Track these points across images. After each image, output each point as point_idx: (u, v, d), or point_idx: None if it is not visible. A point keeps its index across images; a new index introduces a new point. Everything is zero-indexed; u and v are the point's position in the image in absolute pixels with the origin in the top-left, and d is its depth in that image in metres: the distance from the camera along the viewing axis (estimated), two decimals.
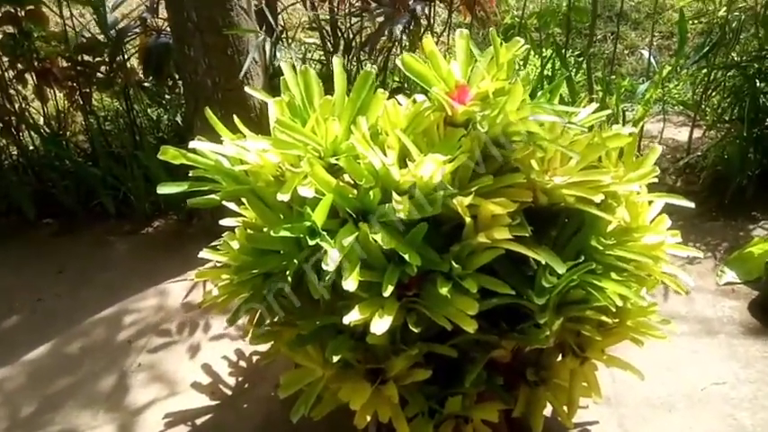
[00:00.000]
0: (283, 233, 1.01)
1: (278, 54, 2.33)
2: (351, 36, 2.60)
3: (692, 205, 1.22)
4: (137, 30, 2.61)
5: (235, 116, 1.18)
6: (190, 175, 1.18)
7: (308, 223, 1.03)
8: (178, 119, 2.84)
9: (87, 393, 1.66)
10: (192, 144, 1.15)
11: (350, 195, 1.08)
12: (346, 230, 1.05)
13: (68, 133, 3.00)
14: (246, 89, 1.24)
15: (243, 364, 1.74)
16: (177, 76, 2.64)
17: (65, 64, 2.69)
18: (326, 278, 1.05)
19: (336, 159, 1.11)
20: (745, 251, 1.98)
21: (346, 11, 2.58)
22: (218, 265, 1.33)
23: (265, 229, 1.04)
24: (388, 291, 1.00)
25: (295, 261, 1.09)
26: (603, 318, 1.11)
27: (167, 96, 2.94)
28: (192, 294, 2.04)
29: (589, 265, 1.05)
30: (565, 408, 1.26)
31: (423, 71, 1.13)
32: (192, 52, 2.11)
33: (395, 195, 1.05)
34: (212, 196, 1.16)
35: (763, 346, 1.70)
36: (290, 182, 1.03)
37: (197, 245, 1.51)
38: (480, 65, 1.16)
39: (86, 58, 2.65)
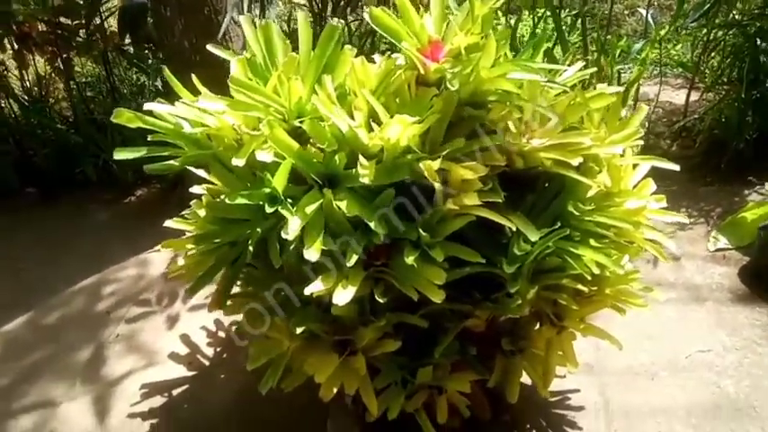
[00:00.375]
0: (241, 200, 0.96)
1: (266, 13, 2.23)
2: None
3: (677, 167, 1.15)
4: None
5: (193, 75, 1.11)
6: (148, 139, 1.13)
7: (267, 190, 0.98)
8: (159, 83, 2.76)
9: (64, 364, 1.64)
10: (147, 106, 1.08)
11: (314, 160, 1.02)
12: (310, 197, 1.00)
13: (50, 100, 2.93)
14: (209, 47, 1.16)
15: (221, 334, 1.71)
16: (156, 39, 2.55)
17: (43, 28, 2.60)
18: (290, 247, 1.01)
19: (301, 122, 1.04)
20: (738, 216, 1.93)
21: None
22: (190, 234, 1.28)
23: (222, 197, 0.98)
24: (352, 260, 0.96)
25: (258, 230, 1.04)
26: (580, 286, 1.07)
27: (150, 60, 2.85)
28: (173, 264, 2.00)
29: (563, 231, 1.00)
30: (541, 377, 1.23)
31: (393, 26, 1.05)
32: (168, 12, 2.02)
33: (361, 160, 0.99)
34: (172, 162, 1.10)
35: (751, 313, 1.66)
36: (247, 146, 0.97)
37: (179, 213, 1.47)
38: (456, 19, 1.08)
39: (65, 21, 2.56)
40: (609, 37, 2.35)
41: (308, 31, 1.09)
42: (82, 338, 1.73)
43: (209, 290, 1.18)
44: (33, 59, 2.69)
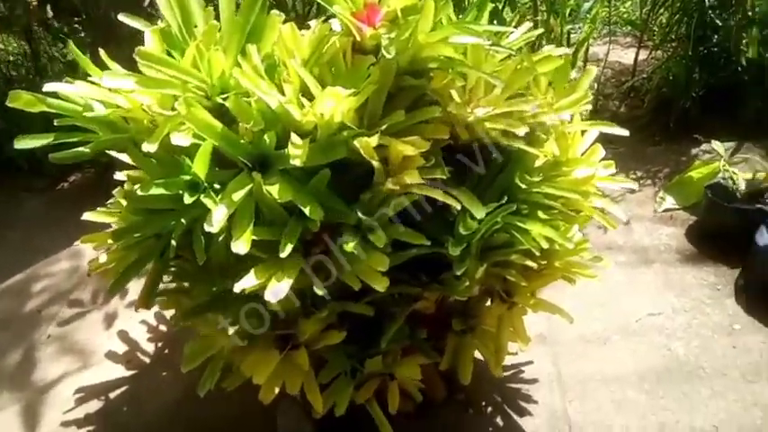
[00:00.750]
0: (156, 190, 0.86)
1: None
2: None
3: (626, 133, 1.11)
4: None
5: (101, 50, 0.98)
6: (55, 123, 1.00)
7: (187, 177, 0.88)
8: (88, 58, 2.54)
9: None
10: (48, 86, 0.95)
11: (241, 141, 0.93)
12: (238, 182, 0.90)
13: None
14: (120, 16, 1.03)
15: (163, 328, 1.61)
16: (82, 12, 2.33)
17: None
18: (219, 239, 0.92)
19: (225, 98, 0.94)
20: (685, 176, 1.94)
21: None
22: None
23: (136, 187, 0.88)
24: (287, 250, 0.88)
25: (183, 221, 0.94)
26: (529, 262, 1.03)
27: (81, 35, 2.62)
28: (94, 261, 1.87)
29: (510, 206, 0.95)
30: (493, 355, 1.20)
31: None
32: None
33: (293, 138, 0.90)
34: (81, 149, 0.98)
35: (699, 273, 1.68)
36: (161, 128, 0.86)
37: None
38: None
39: None
40: None
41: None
42: (10, 341, 1.60)
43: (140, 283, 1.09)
44: None
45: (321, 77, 0.99)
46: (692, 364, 1.41)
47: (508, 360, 1.30)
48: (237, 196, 0.88)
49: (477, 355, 1.22)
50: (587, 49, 2.45)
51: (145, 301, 1.05)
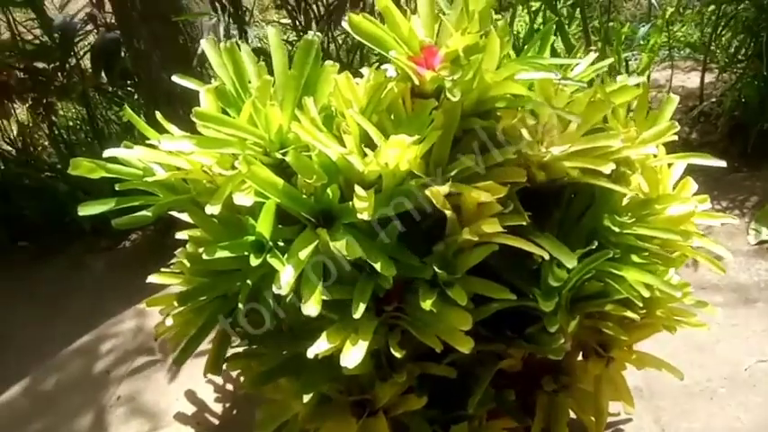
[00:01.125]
0: (221, 253, 0.82)
1: (245, 38, 2.11)
2: (321, 10, 2.38)
3: (723, 163, 1.00)
4: (88, 28, 2.41)
5: (157, 113, 0.98)
6: (116, 188, 0.99)
7: (251, 237, 0.84)
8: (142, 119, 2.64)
9: None
10: (108, 152, 0.95)
11: (304, 196, 0.88)
12: (303, 240, 0.85)
13: (36, 149, 2.82)
14: (174, 77, 1.03)
15: (230, 386, 1.57)
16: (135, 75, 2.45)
17: (20, 75, 2.51)
18: (287, 300, 0.86)
19: (284, 154, 0.90)
20: None
21: None
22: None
23: (200, 249, 0.84)
24: (360, 311, 0.81)
25: (249, 282, 0.90)
26: (627, 313, 0.91)
27: (136, 97, 2.74)
28: (160, 325, 1.87)
29: (606, 253, 0.85)
30: (592, 418, 1.07)
31: (377, 33, 0.91)
32: (142, 45, 1.91)
33: (357, 190, 0.85)
34: (144, 212, 0.96)
35: None
36: (222, 188, 0.83)
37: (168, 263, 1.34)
38: (449, 18, 0.94)
39: (41, 65, 2.47)
40: (612, 24, 2.21)
41: (281, 48, 0.95)
42: (81, 403, 1.60)
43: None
44: (14, 109, 2.59)
45: (381, 125, 0.94)
46: None
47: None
48: (304, 254, 0.83)
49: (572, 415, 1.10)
50: (648, 77, 2.34)
51: (213, 366, 1.00)
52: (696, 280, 1.63)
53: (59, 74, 2.45)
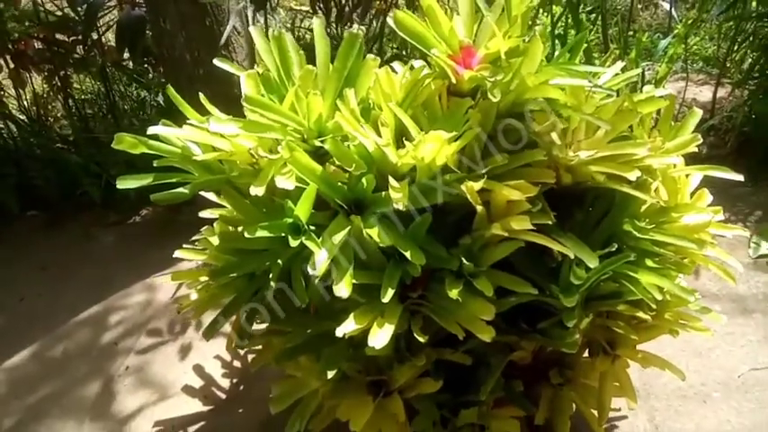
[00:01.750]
0: (261, 233, 0.85)
1: (261, 22, 2.13)
2: (343, 1, 2.40)
3: (741, 177, 1.04)
4: (110, 3, 2.42)
5: (201, 94, 1.01)
6: (155, 164, 1.02)
7: (289, 219, 0.87)
8: (160, 99, 2.66)
9: (72, 400, 1.54)
10: (151, 129, 0.98)
11: (339, 184, 0.92)
12: (336, 225, 0.89)
13: (49, 120, 2.84)
14: (215, 61, 1.06)
15: (237, 363, 1.61)
16: (156, 53, 2.46)
17: (39, 45, 2.52)
18: (315, 281, 0.90)
19: (322, 141, 0.94)
20: None
21: None
22: (198, 264, 1.18)
23: (240, 229, 0.88)
24: (388, 296, 0.85)
25: (279, 261, 0.93)
26: (639, 313, 0.96)
27: (150, 75, 2.75)
28: (182, 289, 1.90)
29: (627, 255, 0.89)
30: (594, 412, 1.12)
31: (420, 31, 0.95)
32: (168, 24, 1.93)
33: (392, 181, 0.89)
34: (181, 189, 1.00)
35: None
36: (265, 171, 0.87)
37: (187, 235, 1.35)
38: (488, 20, 0.98)
39: (60, 37, 2.47)
40: (632, 33, 2.24)
41: (325, 40, 0.98)
42: (89, 372, 1.63)
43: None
44: (30, 78, 2.60)
45: (415, 119, 0.97)
46: None
47: None
48: (337, 239, 0.87)
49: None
50: (664, 87, 2.37)
51: (238, 340, 1.04)
52: (697, 288, 1.67)
53: (80, 47, 2.47)
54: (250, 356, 1.60)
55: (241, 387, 1.54)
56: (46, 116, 2.81)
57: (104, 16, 2.47)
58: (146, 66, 2.65)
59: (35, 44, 2.50)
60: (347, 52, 0.95)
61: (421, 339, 0.88)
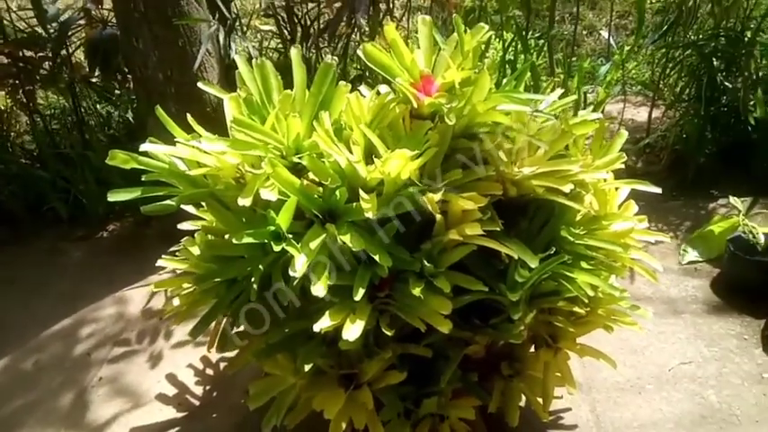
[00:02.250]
0: (247, 239, 0.96)
1: (233, 45, 2.23)
2: (308, 23, 2.52)
3: (659, 190, 1.22)
4: (80, 22, 2.47)
5: (188, 115, 1.11)
6: (143, 179, 1.11)
7: (272, 228, 0.98)
8: (129, 116, 2.71)
9: (46, 412, 1.57)
10: (143, 147, 1.07)
11: (315, 196, 1.03)
12: (313, 233, 1.00)
13: (12, 134, 2.83)
14: (200, 84, 1.17)
15: (210, 371, 1.67)
16: (127, 71, 2.52)
17: (4, 60, 2.53)
18: (294, 284, 1.01)
19: (299, 158, 1.05)
20: (706, 230, 2.03)
21: None
22: (178, 272, 1.27)
23: (227, 236, 0.98)
24: (359, 294, 0.96)
25: (260, 267, 1.04)
26: (575, 308, 1.11)
27: (117, 92, 2.80)
28: (152, 301, 1.96)
29: (561, 257, 1.04)
30: (540, 399, 1.25)
31: (386, 62, 1.08)
32: (141, 44, 2.00)
33: (362, 194, 1.01)
34: (168, 202, 1.09)
35: (726, 324, 1.74)
36: (251, 185, 0.97)
37: (155, 249, 1.42)
38: (444, 53, 1.12)
39: (28, 53, 2.50)
40: (575, 59, 2.45)
41: (301, 67, 1.11)
42: (62, 384, 1.67)
43: (189, 326, 1.15)
44: None
45: (382, 138, 1.10)
46: (725, 412, 1.45)
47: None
48: (314, 245, 0.98)
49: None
50: (603, 109, 2.59)
51: (221, 343, 1.13)
52: (633, 292, 1.86)
53: (47, 63, 2.50)
54: (222, 365, 1.68)
55: (214, 394, 1.61)
56: (9, 131, 2.80)
57: (75, 34, 2.52)
58: (114, 82, 2.70)
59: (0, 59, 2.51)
60: (322, 80, 1.08)
61: (388, 333, 0.99)
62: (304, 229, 1.03)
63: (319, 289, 0.94)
